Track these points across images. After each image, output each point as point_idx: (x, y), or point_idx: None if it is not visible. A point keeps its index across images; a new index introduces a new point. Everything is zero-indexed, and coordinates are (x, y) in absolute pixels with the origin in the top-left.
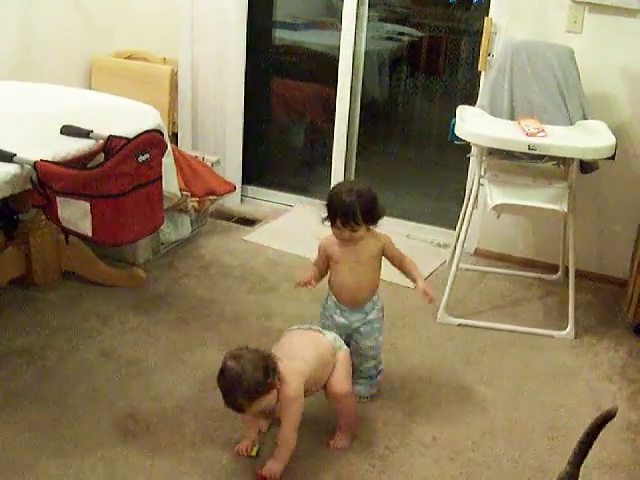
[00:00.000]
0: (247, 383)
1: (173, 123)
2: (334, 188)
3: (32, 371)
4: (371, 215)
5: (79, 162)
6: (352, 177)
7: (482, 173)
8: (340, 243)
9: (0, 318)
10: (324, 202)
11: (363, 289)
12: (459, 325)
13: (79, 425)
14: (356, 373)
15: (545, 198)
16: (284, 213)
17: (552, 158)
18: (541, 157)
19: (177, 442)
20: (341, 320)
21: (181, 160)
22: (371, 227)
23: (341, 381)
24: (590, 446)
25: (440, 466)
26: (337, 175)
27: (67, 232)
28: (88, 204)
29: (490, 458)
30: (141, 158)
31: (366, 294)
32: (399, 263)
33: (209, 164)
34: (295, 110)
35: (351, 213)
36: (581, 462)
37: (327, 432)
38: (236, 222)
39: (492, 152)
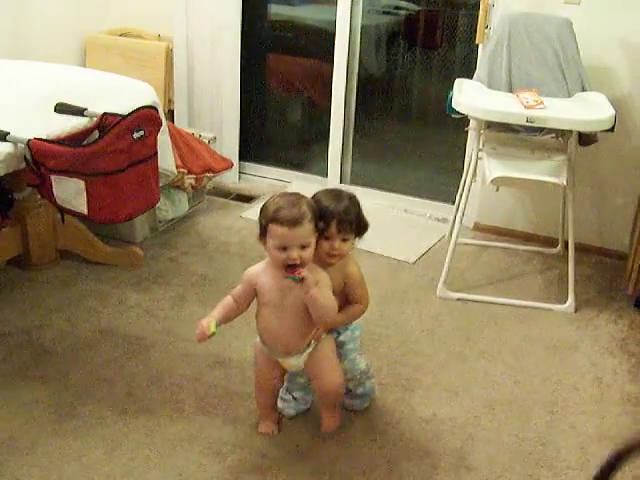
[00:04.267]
0: (309, 201)
1: (169, 100)
2: (318, 194)
3: (30, 351)
4: (361, 224)
5: (73, 140)
6: (350, 153)
7: (480, 146)
8: (319, 263)
9: None
10: (315, 209)
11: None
12: (458, 300)
13: (78, 404)
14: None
15: (544, 171)
16: (282, 189)
17: (551, 131)
18: (540, 130)
19: (177, 420)
20: None
21: (177, 137)
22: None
23: (333, 368)
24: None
25: (441, 441)
26: (335, 151)
27: (62, 211)
28: (83, 182)
29: (491, 432)
30: (136, 135)
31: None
32: (350, 303)
33: (206, 141)
34: (292, 86)
35: (348, 216)
36: None
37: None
38: (234, 199)
39: (490, 125)
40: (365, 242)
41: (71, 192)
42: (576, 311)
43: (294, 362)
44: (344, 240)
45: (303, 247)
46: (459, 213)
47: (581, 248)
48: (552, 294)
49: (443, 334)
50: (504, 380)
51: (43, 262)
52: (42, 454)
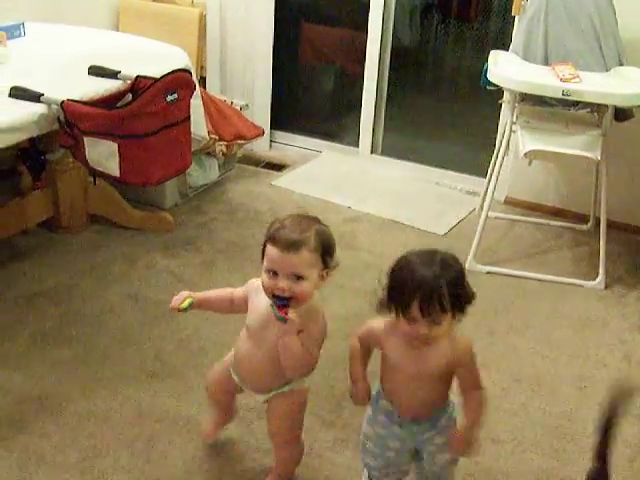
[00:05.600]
0: (322, 231)
1: (201, 67)
2: (403, 259)
3: (59, 312)
4: (461, 297)
5: (106, 102)
6: (382, 124)
7: (514, 119)
8: (406, 342)
9: (28, 260)
10: (385, 279)
11: (424, 406)
12: (488, 273)
13: (106, 366)
14: None
15: (578, 145)
16: (312, 159)
17: (586, 105)
18: (575, 104)
19: (203, 384)
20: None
21: (209, 103)
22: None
23: (286, 426)
24: (610, 432)
25: None
26: (366, 121)
27: (94, 173)
28: (116, 144)
29: (518, 406)
30: (169, 97)
31: (429, 409)
32: (464, 389)
33: (237, 108)
34: (325, 55)
35: (437, 293)
36: (606, 453)
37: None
38: (264, 167)
39: (525, 98)
40: (395, 213)
41: (104, 154)
42: (606, 288)
43: (258, 398)
44: (434, 323)
45: (298, 278)
46: (490, 187)
47: (612, 225)
48: (582, 270)
49: (472, 307)
50: (532, 354)
51: (73, 225)
52: (71, 414)
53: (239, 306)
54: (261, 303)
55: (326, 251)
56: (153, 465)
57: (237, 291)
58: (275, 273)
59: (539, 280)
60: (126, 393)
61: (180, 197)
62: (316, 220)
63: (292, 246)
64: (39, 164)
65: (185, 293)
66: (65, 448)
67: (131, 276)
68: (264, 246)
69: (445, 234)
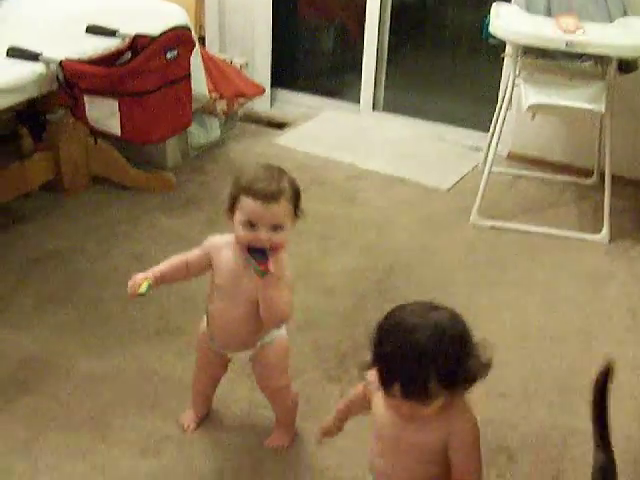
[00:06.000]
0: (293, 179)
1: (200, 26)
2: (392, 318)
3: (63, 274)
4: (458, 375)
5: (106, 61)
6: (383, 80)
7: (517, 73)
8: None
9: (31, 223)
10: (371, 335)
11: None
12: (492, 227)
13: (111, 326)
14: None
15: (582, 98)
16: (314, 117)
17: (590, 57)
18: (579, 56)
19: None
20: None
21: (209, 62)
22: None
23: (276, 376)
24: (605, 413)
25: None
26: (367, 77)
27: (95, 132)
28: (116, 102)
29: (524, 359)
30: (169, 55)
31: None
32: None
33: (237, 67)
34: (324, 12)
35: (421, 378)
36: (608, 440)
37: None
38: (265, 126)
39: (527, 51)
40: (397, 170)
41: (104, 113)
42: (611, 242)
43: (240, 356)
44: (419, 404)
45: (275, 229)
46: (493, 141)
47: (617, 179)
48: (587, 224)
49: (476, 261)
50: (537, 308)
51: (75, 187)
52: (77, 374)
53: (196, 269)
54: (229, 259)
55: (297, 199)
56: (160, 422)
57: (191, 254)
58: (253, 225)
59: (543, 234)
60: (132, 353)
61: (181, 157)
62: (282, 169)
63: (272, 197)
64: (39, 125)
65: (140, 276)
66: (72, 408)
67: (134, 236)
68: (234, 200)
69: (448, 189)
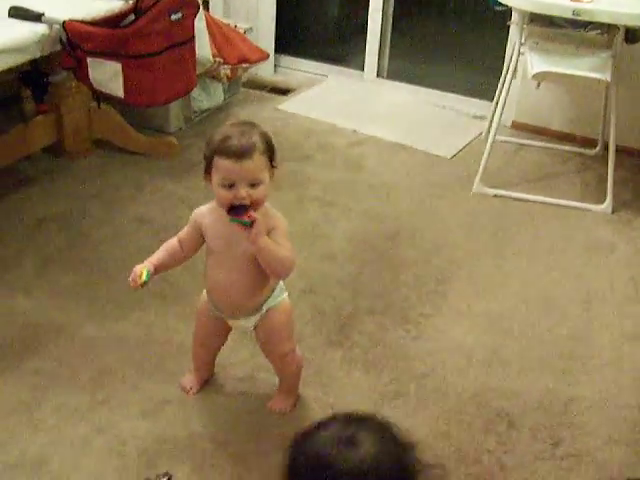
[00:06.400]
0: (264, 132)
1: None
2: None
3: (66, 237)
4: None
5: (109, 23)
6: (387, 48)
7: (522, 41)
8: None
9: (34, 186)
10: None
11: None
12: (495, 196)
13: (114, 289)
14: None
15: (588, 67)
16: (318, 83)
17: (596, 26)
18: (585, 25)
19: None
20: None
21: (213, 26)
22: None
23: (281, 341)
24: None
25: (474, 335)
26: (372, 45)
27: (98, 94)
28: (119, 64)
29: (525, 328)
30: (174, 17)
31: None
32: None
33: (241, 32)
34: None
35: None
36: None
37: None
38: (269, 92)
39: (534, 19)
40: (401, 137)
41: (107, 75)
42: (613, 212)
43: (242, 324)
44: None
45: (253, 185)
46: (498, 110)
47: (621, 150)
48: (590, 195)
49: (479, 230)
50: (539, 277)
51: (78, 151)
52: (80, 337)
53: (189, 246)
54: (217, 224)
55: (271, 150)
56: (162, 385)
57: (181, 233)
58: (231, 185)
59: (546, 204)
60: (134, 316)
61: (184, 121)
62: (252, 123)
63: (245, 153)
64: (42, 86)
65: (139, 267)
66: (75, 370)
67: (137, 200)
68: (209, 162)
69: (452, 157)
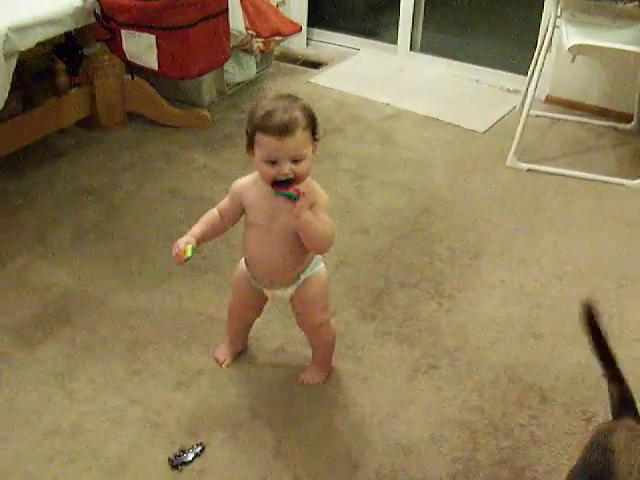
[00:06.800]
0: (305, 105)
1: None
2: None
3: (99, 208)
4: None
5: None
6: (421, 21)
7: (558, 13)
8: None
9: (67, 159)
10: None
11: None
12: (528, 170)
13: (147, 260)
14: None
15: (625, 40)
16: (350, 56)
17: None
18: None
19: None
20: None
21: None
22: None
23: (317, 311)
24: (605, 346)
25: (507, 308)
26: (405, 18)
27: (132, 67)
28: (154, 36)
29: (558, 302)
30: None
31: None
32: None
33: (274, 5)
34: None
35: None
36: (618, 368)
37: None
38: (301, 65)
39: None
40: (434, 110)
41: (141, 47)
42: None
43: (279, 294)
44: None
45: (296, 161)
46: (532, 84)
47: None
48: (624, 170)
49: (512, 204)
50: (573, 252)
51: (111, 124)
52: (114, 308)
53: (230, 217)
54: (260, 197)
55: (314, 124)
56: (195, 357)
57: (221, 205)
58: (274, 161)
59: (580, 178)
60: (167, 287)
61: (217, 94)
62: (294, 97)
63: (287, 130)
64: (76, 59)
65: (182, 241)
66: (110, 340)
67: (170, 173)
68: (251, 138)
69: (485, 131)
